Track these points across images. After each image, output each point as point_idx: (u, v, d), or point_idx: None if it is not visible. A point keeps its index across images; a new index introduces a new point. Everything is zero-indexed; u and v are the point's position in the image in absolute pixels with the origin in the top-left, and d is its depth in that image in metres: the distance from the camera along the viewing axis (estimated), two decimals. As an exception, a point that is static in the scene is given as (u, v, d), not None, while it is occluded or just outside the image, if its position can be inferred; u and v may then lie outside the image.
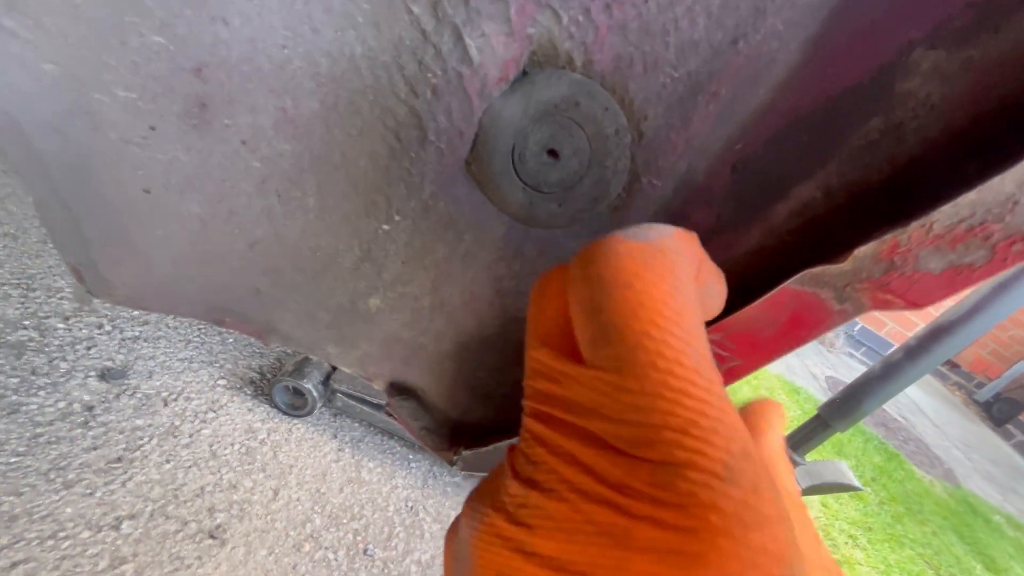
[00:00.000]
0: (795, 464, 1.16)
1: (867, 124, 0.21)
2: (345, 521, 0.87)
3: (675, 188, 0.24)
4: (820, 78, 0.20)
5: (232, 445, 0.88)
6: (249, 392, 0.99)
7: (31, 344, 0.83)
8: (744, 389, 2.33)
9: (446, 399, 0.36)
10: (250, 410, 0.96)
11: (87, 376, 0.84)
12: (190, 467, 0.81)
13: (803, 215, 0.23)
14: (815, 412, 1.13)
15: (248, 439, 0.90)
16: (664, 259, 0.13)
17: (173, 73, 0.23)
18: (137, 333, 0.95)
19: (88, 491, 0.72)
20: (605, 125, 0.24)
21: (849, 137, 0.21)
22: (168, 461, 0.80)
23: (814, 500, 1.85)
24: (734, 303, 0.24)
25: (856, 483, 1.16)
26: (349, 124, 0.26)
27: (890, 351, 1.06)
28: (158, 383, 0.90)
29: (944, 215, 0.18)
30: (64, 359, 0.84)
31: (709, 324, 0.24)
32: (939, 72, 0.19)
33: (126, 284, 0.29)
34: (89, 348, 0.88)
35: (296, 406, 0.99)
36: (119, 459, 0.77)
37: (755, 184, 0.23)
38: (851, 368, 3.80)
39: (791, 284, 0.21)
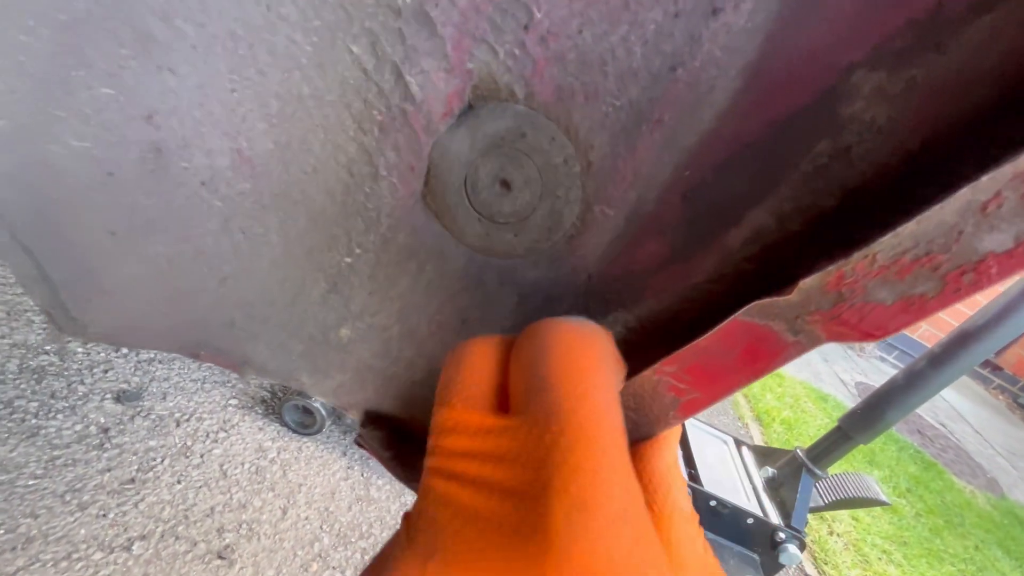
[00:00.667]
0: (816, 478, 1.12)
1: (814, 149, 0.20)
2: (353, 540, 0.88)
3: (627, 217, 0.24)
4: (763, 103, 0.20)
5: (242, 464, 0.90)
6: (260, 411, 1.00)
7: (51, 368, 0.87)
8: (768, 397, 2.27)
9: (421, 427, 0.35)
10: (260, 429, 0.97)
11: (103, 399, 0.87)
12: (200, 487, 0.83)
13: (758, 242, 0.22)
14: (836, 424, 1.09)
15: (258, 458, 0.92)
16: (594, 338, 0.17)
17: (125, 122, 0.23)
18: (152, 355, 0.97)
19: (102, 512, 0.73)
20: (553, 155, 0.24)
21: (797, 162, 0.20)
22: (179, 481, 0.82)
23: (843, 514, 1.77)
24: (694, 334, 0.23)
25: (883, 497, 1.11)
26: (303, 162, 0.26)
27: (913, 359, 1.01)
28: (171, 404, 0.92)
29: (886, 246, 0.17)
30: (82, 382, 0.87)
31: (663, 358, 0.23)
32: (882, 94, 0.18)
33: (97, 322, 0.30)
34: (106, 371, 0.91)
35: (305, 424, 1.00)
36: (132, 480, 0.79)
37: (707, 212, 0.22)
38: (883, 373, 3.66)
39: (741, 316, 0.20)
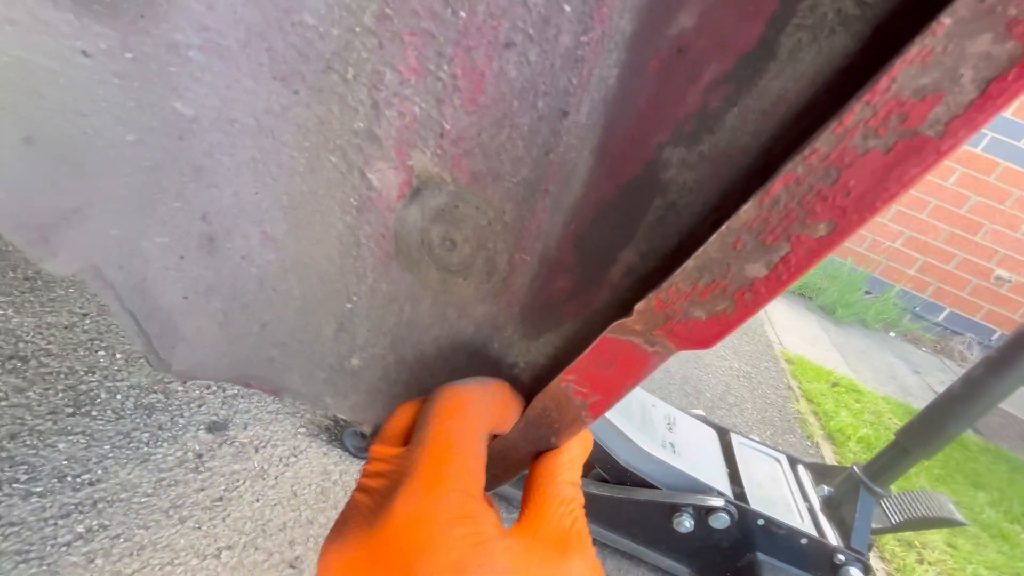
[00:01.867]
0: (877, 496, 1.06)
1: (652, 204, 0.26)
2: (405, 554, 0.95)
3: (539, 262, 0.31)
4: (611, 173, 0.27)
5: (310, 485, 1.01)
6: (324, 438, 1.12)
7: (158, 404, 1.04)
8: (843, 414, 2.13)
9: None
10: (325, 454, 1.09)
11: (198, 429, 1.02)
12: (275, 505, 0.95)
13: (630, 276, 0.28)
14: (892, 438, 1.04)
15: (323, 480, 1.03)
16: (468, 395, 0.24)
17: (188, 222, 0.34)
18: (236, 391, 1.13)
19: (197, 526, 0.87)
20: (480, 219, 0.31)
21: (643, 215, 0.27)
22: (258, 500, 0.95)
23: (938, 540, 1.62)
24: (598, 349, 0.29)
25: (959, 517, 1.04)
26: (309, 237, 0.35)
27: (972, 365, 0.96)
28: (251, 433, 1.06)
29: (681, 277, 0.23)
30: (181, 415, 1.03)
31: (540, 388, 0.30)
32: (685, 163, 0.24)
33: (179, 362, 0.41)
34: (200, 406, 1.07)
35: (363, 448, 1.10)
36: (220, 498, 0.92)
37: (592, 255, 0.29)
38: (990, 384, 3.28)
39: (607, 334, 0.27)
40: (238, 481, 0.96)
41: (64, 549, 0.77)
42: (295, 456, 1.05)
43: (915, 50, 0.15)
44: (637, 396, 1.20)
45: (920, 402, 2.60)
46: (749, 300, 0.22)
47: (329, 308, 0.39)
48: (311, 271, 0.37)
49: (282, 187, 0.33)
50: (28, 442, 0.88)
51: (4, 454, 0.85)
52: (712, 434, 1.24)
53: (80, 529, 0.80)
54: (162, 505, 0.87)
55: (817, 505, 1.12)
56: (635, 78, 0.24)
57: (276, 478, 1.00)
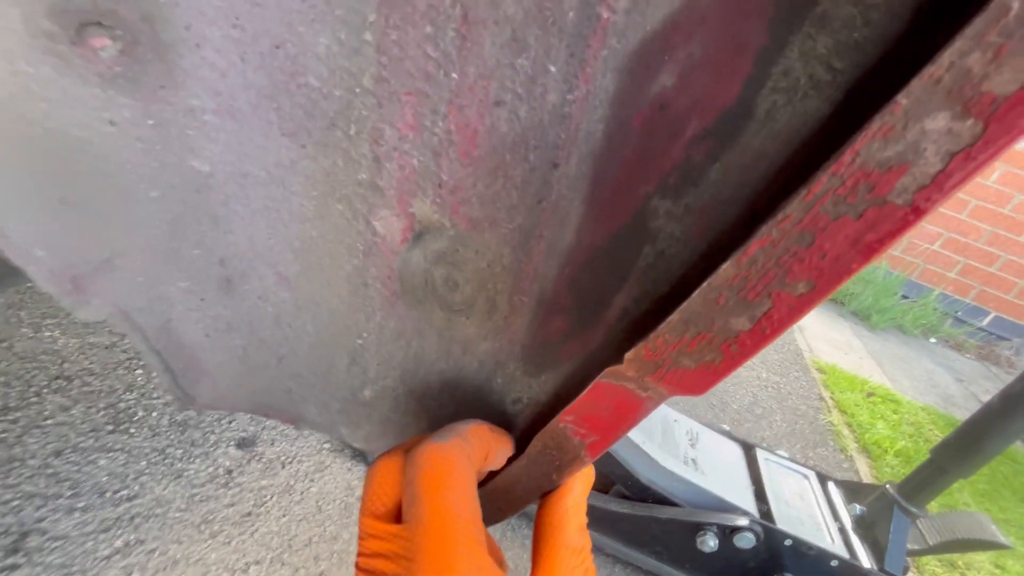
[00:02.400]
0: (913, 516, 1.02)
1: (642, 251, 0.27)
2: (426, 571, 0.96)
3: (537, 303, 0.32)
4: (601, 221, 0.27)
5: (334, 501, 1.04)
6: (348, 454, 1.15)
7: (191, 421, 1.08)
8: (879, 426, 2.05)
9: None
10: (349, 470, 1.11)
11: (228, 445, 1.06)
12: (300, 520, 0.97)
13: (624, 319, 0.29)
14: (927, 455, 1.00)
15: (347, 496, 1.05)
16: (450, 455, 0.24)
17: (208, 267, 0.36)
18: (264, 407, 1.16)
19: (227, 540, 0.90)
20: (480, 262, 0.32)
21: (634, 261, 0.27)
22: (284, 515, 0.97)
23: (985, 563, 1.54)
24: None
25: (1002, 539, 0.99)
26: (319, 277, 0.37)
27: (1011, 381, 0.91)
28: (278, 449, 1.09)
29: (668, 329, 0.23)
30: (213, 432, 1.07)
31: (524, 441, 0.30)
32: (671, 214, 0.25)
33: (203, 395, 0.43)
34: (230, 422, 1.11)
35: (386, 464, 1.12)
36: (249, 514, 0.95)
37: (587, 297, 0.30)
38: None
39: (600, 379, 0.27)
40: (266, 496, 0.99)
41: (104, 563, 0.81)
42: (320, 472, 1.08)
43: (876, 125, 0.16)
44: (659, 411, 1.19)
45: (964, 412, 2.48)
46: (735, 351, 0.23)
47: (341, 343, 0.40)
48: (323, 309, 0.39)
49: (293, 232, 0.35)
50: (71, 459, 0.93)
51: (50, 471, 0.90)
52: (737, 449, 1.22)
53: (119, 543, 0.84)
54: (194, 520, 0.91)
55: (849, 525, 1.08)
56: (620, 132, 0.25)
57: (302, 493, 1.02)
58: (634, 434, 1.07)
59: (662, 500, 1.03)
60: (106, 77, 0.28)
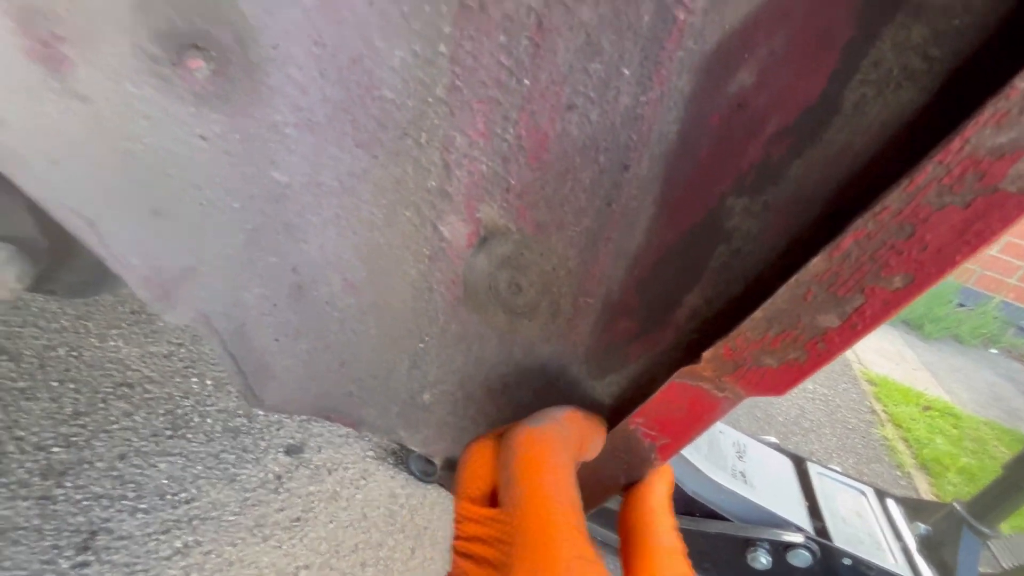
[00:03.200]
0: (984, 537, 0.96)
1: (716, 250, 0.27)
2: (470, 580, 0.96)
3: (603, 305, 0.32)
4: (672, 222, 0.27)
5: (379, 508, 1.05)
6: (391, 461, 1.16)
7: (243, 428, 1.12)
8: (938, 441, 1.94)
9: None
10: (392, 477, 1.13)
11: (277, 452, 1.09)
12: (347, 527, 0.99)
13: (695, 319, 0.29)
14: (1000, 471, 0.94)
15: (390, 503, 1.07)
16: (549, 439, 0.23)
17: (280, 274, 0.38)
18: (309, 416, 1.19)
19: (278, 544, 0.92)
20: (544, 265, 0.33)
21: (707, 261, 0.27)
22: (331, 521, 0.99)
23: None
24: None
25: (1087, 564, 0.92)
26: (384, 283, 0.38)
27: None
28: (325, 456, 1.12)
29: (750, 327, 0.23)
30: (263, 438, 1.11)
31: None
32: (749, 212, 0.25)
33: (270, 398, 0.44)
34: (279, 429, 1.14)
35: (428, 473, 1.13)
36: (298, 519, 0.98)
37: (655, 298, 0.30)
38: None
39: (675, 379, 0.27)
40: (313, 502, 1.01)
41: (165, 563, 0.84)
42: (364, 479, 1.10)
43: (988, 112, 0.15)
44: (730, 435, 1.16)
45: (1032, 427, 2.32)
46: (822, 349, 0.22)
47: (403, 347, 0.41)
48: (386, 314, 0.40)
49: (362, 239, 0.36)
50: (135, 462, 0.98)
51: (115, 473, 0.95)
52: (787, 463, 1.17)
53: (178, 544, 0.87)
54: (247, 524, 0.94)
55: (912, 545, 1.02)
56: (696, 133, 0.25)
57: (348, 500, 1.04)
58: (687, 451, 1.05)
59: (710, 514, 1.00)
60: (200, 95, 0.30)
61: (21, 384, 1.04)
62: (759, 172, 0.24)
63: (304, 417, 1.19)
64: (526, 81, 0.27)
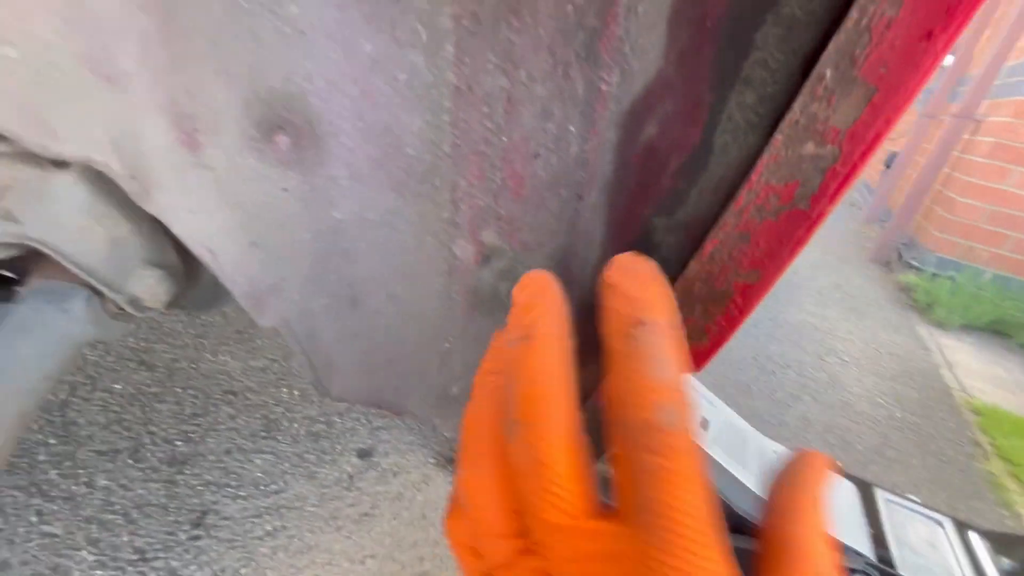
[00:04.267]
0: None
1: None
2: (518, 582, 1.03)
3: (578, 306, 0.40)
4: (618, 236, 0.35)
5: (437, 510, 1.14)
6: (450, 469, 1.26)
7: (323, 433, 1.27)
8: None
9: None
10: (450, 483, 1.22)
11: (351, 455, 1.23)
12: (408, 524, 1.10)
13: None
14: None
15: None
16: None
17: (341, 289, 0.49)
18: (380, 424, 1.33)
19: (348, 535, 1.04)
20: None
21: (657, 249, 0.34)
22: (395, 518, 1.10)
23: None
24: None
25: None
26: (417, 295, 0.48)
27: None
28: (391, 460, 1.24)
29: None
30: (339, 442, 1.25)
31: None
32: (668, 228, 0.32)
33: (335, 388, 0.56)
34: (352, 435, 1.28)
35: (483, 480, 1.22)
36: (366, 514, 1.10)
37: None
38: None
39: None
40: (380, 501, 1.13)
41: (258, 542, 0.99)
42: (426, 483, 1.20)
43: (767, 155, 0.22)
44: (754, 439, 1.15)
45: None
46: (715, 332, 0.29)
47: (433, 347, 0.51)
48: (420, 320, 0.50)
49: (399, 260, 0.47)
50: (237, 457, 1.15)
51: (222, 465, 1.12)
52: (849, 487, 1.12)
53: (268, 528, 1.02)
54: (324, 515, 1.07)
55: (995, 581, 0.94)
56: (624, 170, 0.33)
57: (410, 501, 1.15)
58: (728, 462, 1.05)
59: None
60: (283, 161, 0.42)
61: (154, 389, 1.27)
62: (670, 197, 0.31)
63: (375, 425, 1.33)
64: (504, 138, 0.36)
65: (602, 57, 0.30)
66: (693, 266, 0.27)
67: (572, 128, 0.33)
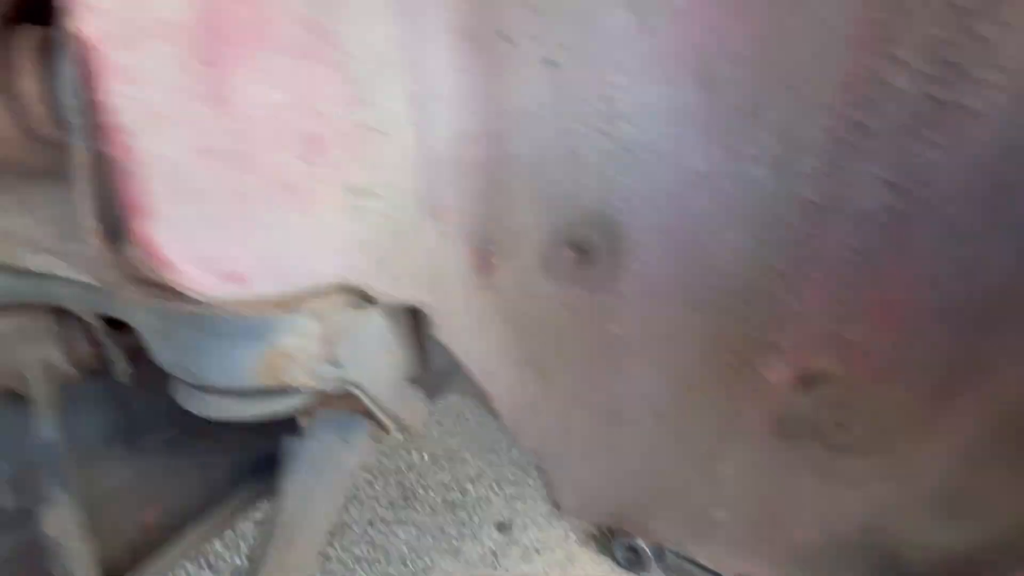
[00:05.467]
0: None
1: None
2: None
3: (963, 452, 0.33)
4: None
5: (587, 594, 1.06)
6: (593, 546, 1.18)
7: (458, 501, 1.24)
8: None
9: None
10: (597, 563, 1.14)
11: (490, 528, 1.18)
12: (561, 611, 1.02)
13: None
14: None
15: (599, 590, 1.07)
16: None
17: (601, 404, 0.45)
18: (513, 492, 1.28)
19: (503, 621, 0.98)
20: (878, 407, 0.35)
21: None
22: (547, 603, 1.03)
23: None
24: None
25: None
26: (690, 412, 0.43)
27: None
28: (532, 536, 1.18)
29: None
30: (476, 513, 1.21)
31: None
32: None
33: (567, 503, 0.51)
34: (488, 505, 1.24)
35: (632, 561, 1.12)
36: (516, 596, 1.03)
37: None
38: None
39: None
40: (528, 582, 1.07)
41: (416, 628, 0.95)
42: (571, 562, 1.13)
43: None
44: None
45: None
46: None
47: (699, 469, 0.45)
48: (688, 440, 0.44)
49: (674, 376, 0.42)
50: (380, 529, 1.14)
51: (368, 538, 1.11)
52: None
53: (424, 611, 0.98)
54: (475, 594, 1.02)
55: None
56: None
57: (558, 583, 1.07)
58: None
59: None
60: (571, 277, 0.39)
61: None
62: None
63: (509, 493, 1.28)
64: (872, 260, 0.31)
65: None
66: None
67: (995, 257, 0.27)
